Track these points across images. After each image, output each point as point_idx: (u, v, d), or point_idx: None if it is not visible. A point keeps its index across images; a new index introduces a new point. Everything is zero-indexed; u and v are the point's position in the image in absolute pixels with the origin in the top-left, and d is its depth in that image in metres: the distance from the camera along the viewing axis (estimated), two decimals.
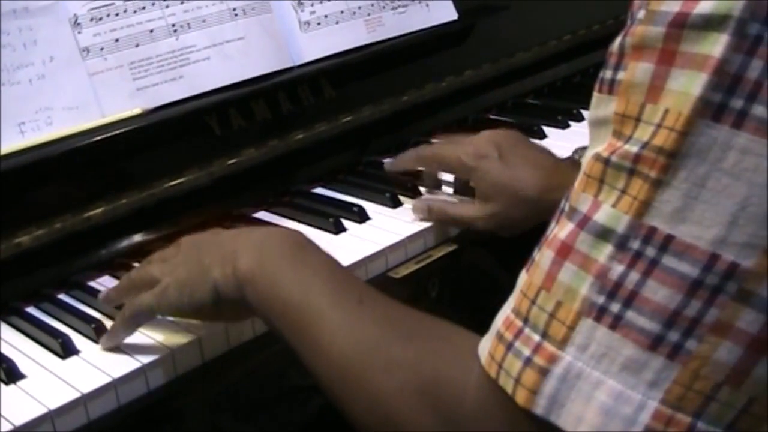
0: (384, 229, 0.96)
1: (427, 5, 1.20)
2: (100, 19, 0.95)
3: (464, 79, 1.23)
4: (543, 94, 1.38)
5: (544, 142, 1.20)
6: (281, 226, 0.98)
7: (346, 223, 0.98)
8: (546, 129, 1.23)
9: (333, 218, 0.97)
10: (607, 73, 0.49)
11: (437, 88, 1.20)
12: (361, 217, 0.99)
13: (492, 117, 1.31)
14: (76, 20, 0.94)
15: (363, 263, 0.90)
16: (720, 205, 0.44)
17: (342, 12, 1.12)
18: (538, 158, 0.96)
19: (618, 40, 0.49)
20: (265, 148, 1.02)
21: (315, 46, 1.10)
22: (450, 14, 1.23)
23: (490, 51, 1.28)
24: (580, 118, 1.27)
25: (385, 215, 1.00)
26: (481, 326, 0.56)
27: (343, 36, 1.12)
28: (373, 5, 1.15)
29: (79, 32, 0.94)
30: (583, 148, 1.01)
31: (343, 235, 0.96)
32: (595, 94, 0.50)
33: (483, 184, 0.94)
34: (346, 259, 0.89)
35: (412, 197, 1.03)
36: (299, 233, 0.76)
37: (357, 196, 1.04)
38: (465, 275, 1.00)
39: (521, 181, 0.92)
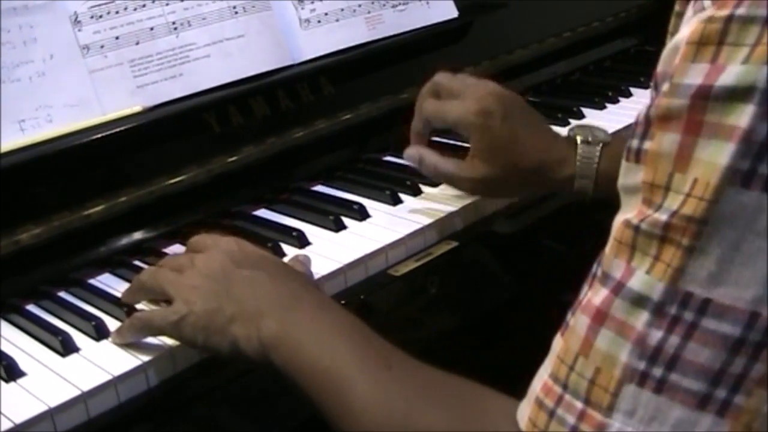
0: (384, 226, 0.96)
1: (428, 3, 1.20)
2: (100, 16, 0.95)
3: None
4: (542, 91, 1.38)
5: None
6: (287, 224, 0.98)
7: (346, 220, 0.98)
8: None
9: (333, 216, 0.97)
10: (634, 143, 0.50)
11: None
12: (361, 214, 0.99)
13: None
14: (76, 18, 0.94)
15: (363, 261, 0.90)
16: (756, 266, 0.45)
17: (342, 10, 1.12)
18: (539, 127, 0.95)
19: (644, 111, 0.49)
20: (264, 145, 1.02)
21: (315, 43, 1.10)
22: (450, 12, 1.23)
23: (489, 48, 1.28)
24: (579, 116, 1.27)
25: (385, 213, 1.00)
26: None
27: (344, 34, 1.12)
28: (373, 3, 1.15)
29: (79, 30, 0.94)
30: (580, 126, 1.01)
31: (343, 232, 0.96)
32: (624, 163, 0.51)
33: (483, 142, 0.92)
34: (346, 257, 0.90)
35: (412, 195, 1.04)
36: (320, 291, 0.76)
37: (357, 194, 1.04)
38: (465, 273, 1.00)
39: (521, 146, 0.91)
